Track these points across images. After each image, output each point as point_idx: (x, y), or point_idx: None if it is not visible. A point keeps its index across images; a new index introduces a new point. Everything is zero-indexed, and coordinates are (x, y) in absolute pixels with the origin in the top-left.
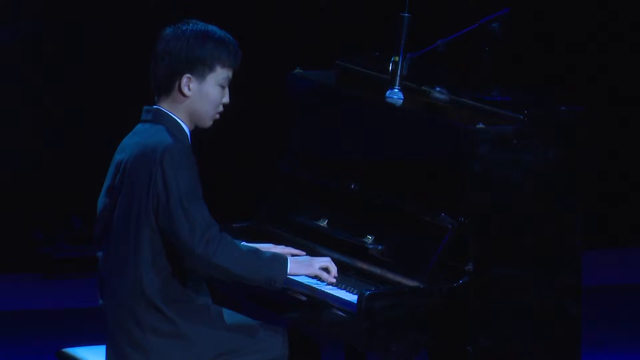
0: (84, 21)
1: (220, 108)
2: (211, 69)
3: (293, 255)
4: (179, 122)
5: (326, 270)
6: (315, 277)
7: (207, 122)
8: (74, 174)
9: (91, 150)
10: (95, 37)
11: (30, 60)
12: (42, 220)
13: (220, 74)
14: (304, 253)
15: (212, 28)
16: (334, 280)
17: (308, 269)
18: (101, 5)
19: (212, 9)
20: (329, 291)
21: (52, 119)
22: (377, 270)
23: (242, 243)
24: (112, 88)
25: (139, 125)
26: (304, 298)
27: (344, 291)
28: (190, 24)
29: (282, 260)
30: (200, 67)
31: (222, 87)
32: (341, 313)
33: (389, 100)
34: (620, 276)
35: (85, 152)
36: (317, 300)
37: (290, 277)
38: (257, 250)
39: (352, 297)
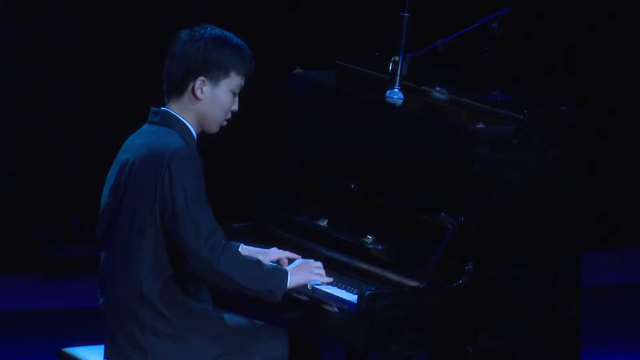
0: (84, 21)
1: (229, 115)
2: (226, 74)
3: (289, 258)
4: (186, 125)
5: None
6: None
7: (215, 128)
8: (74, 174)
9: (91, 150)
10: (96, 36)
11: (30, 60)
12: (42, 220)
13: (234, 81)
14: (299, 256)
15: (230, 34)
16: (332, 279)
17: (309, 276)
18: (101, 5)
19: (212, 8)
20: (329, 291)
21: (52, 119)
22: (377, 270)
23: (242, 246)
24: (112, 88)
25: (146, 126)
26: (304, 298)
27: (344, 291)
28: (208, 28)
29: (283, 273)
30: (215, 71)
31: (234, 94)
32: (341, 313)
33: (389, 100)
34: (620, 276)
35: (86, 152)
36: (317, 300)
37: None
38: (259, 261)
39: (352, 297)
